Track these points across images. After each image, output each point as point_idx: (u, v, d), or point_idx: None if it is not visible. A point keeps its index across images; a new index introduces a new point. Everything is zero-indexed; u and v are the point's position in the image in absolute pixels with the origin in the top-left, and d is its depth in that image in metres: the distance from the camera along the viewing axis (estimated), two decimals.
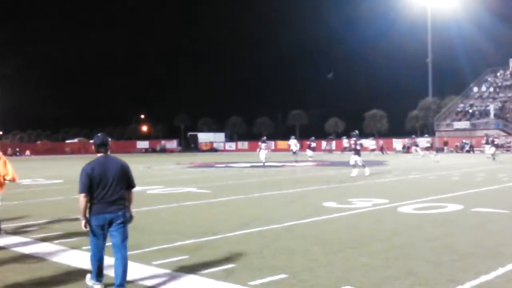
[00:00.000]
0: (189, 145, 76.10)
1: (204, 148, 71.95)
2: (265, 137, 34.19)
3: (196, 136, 77.42)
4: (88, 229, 5.26)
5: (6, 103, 78.32)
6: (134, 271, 6.05)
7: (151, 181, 18.93)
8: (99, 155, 5.47)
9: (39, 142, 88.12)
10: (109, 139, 5.70)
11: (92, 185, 5.22)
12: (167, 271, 5.98)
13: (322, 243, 7.34)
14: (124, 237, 5.29)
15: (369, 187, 15.72)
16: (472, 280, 5.35)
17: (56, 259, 6.75)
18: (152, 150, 74.95)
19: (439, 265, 5.98)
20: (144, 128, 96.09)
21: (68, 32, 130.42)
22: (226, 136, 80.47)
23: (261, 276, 5.67)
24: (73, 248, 7.37)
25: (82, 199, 5.22)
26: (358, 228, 8.56)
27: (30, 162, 44.33)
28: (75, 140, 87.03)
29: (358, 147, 19.52)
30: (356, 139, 19.91)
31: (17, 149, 72.08)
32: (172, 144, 77.54)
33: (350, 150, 19.83)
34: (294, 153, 33.97)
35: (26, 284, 5.66)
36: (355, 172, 19.35)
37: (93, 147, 5.59)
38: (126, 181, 5.41)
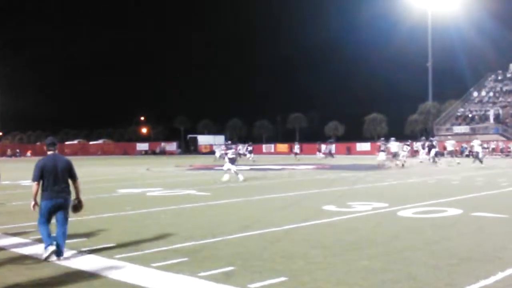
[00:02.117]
0: (189, 148, 76.08)
1: (204, 150, 71.89)
2: (229, 141, 36.70)
3: (196, 139, 77.38)
4: (35, 210, 6.83)
5: (6, 103, 78.36)
6: (134, 272, 6.05)
7: (151, 183, 18.91)
8: (49, 153, 6.97)
9: (39, 143, 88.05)
10: (56, 141, 7.25)
11: (44, 176, 6.75)
12: (167, 273, 5.98)
13: (322, 246, 7.34)
14: (66, 218, 6.96)
15: (368, 190, 15.72)
16: (472, 284, 5.35)
17: (55, 260, 6.75)
18: (152, 152, 74.94)
19: (438, 269, 5.98)
20: (144, 130, 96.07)
21: (69, 32, 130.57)
22: (226, 139, 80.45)
23: (261, 278, 5.67)
24: (72, 249, 7.37)
25: (34, 186, 6.79)
26: (358, 231, 8.56)
27: (30, 163, 44.18)
28: (75, 142, 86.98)
29: (232, 155, 20.44)
30: (227, 148, 21.55)
31: (17, 150, 72.05)
32: (172, 146, 77.48)
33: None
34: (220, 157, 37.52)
35: (25, 285, 5.66)
36: (226, 177, 19.70)
37: (44, 147, 7.11)
38: (70, 173, 6.96)
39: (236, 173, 19.94)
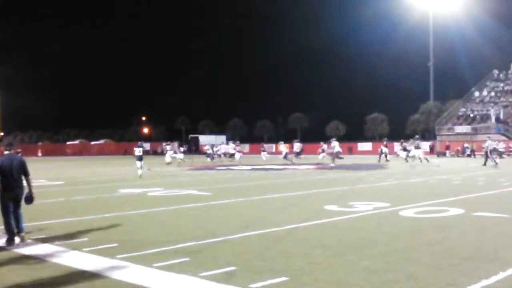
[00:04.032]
0: (190, 148, 76.04)
1: (205, 150, 71.83)
2: (168, 142, 38.64)
3: (197, 139, 77.36)
4: None
5: (6, 104, 78.39)
6: (136, 273, 6.06)
7: (152, 183, 18.91)
8: (6, 152, 8.25)
9: (40, 143, 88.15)
10: (13, 143, 8.63)
11: (1, 172, 7.93)
12: (168, 273, 5.99)
13: (323, 246, 7.33)
14: (19, 206, 8.16)
15: (370, 190, 15.71)
16: (473, 284, 5.35)
17: (56, 260, 6.76)
18: (153, 152, 74.95)
19: (439, 269, 5.97)
20: (145, 130, 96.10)
21: (69, 33, 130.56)
22: (227, 139, 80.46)
23: (262, 278, 5.67)
24: (73, 249, 7.38)
25: None
26: (359, 231, 8.56)
27: (30, 163, 44.17)
28: (76, 142, 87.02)
29: (139, 153, 23.56)
30: (137, 146, 24.68)
31: (19, 150, 72.13)
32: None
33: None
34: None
35: (26, 285, 5.67)
36: (140, 171, 22.96)
37: (2, 147, 8.33)
38: (23, 170, 8.23)
39: (138, 168, 22.92)
